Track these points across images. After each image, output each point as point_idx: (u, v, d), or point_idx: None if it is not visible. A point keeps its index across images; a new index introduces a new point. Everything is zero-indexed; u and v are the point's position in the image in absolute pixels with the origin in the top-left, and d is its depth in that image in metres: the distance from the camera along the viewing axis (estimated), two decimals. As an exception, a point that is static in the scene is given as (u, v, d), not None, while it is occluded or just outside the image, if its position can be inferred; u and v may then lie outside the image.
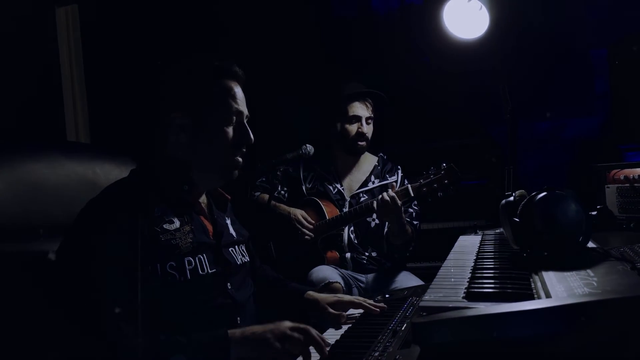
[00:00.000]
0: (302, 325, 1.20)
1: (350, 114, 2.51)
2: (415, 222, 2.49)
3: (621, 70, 2.66)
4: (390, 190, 2.27)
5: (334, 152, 2.64)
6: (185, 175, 1.35)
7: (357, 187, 2.58)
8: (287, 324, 1.20)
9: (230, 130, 1.34)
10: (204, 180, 1.39)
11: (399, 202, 2.23)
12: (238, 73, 1.38)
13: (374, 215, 2.49)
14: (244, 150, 1.38)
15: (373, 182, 2.58)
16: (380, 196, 2.27)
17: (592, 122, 2.93)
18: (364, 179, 2.59)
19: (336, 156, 2.63)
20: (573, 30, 2.82)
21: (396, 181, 2.55)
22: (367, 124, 2.54)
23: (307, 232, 2.45)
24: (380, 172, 2.60)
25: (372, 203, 2.33)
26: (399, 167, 2.62)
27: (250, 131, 1.37)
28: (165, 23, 3.07)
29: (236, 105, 1.34)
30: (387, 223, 2.49)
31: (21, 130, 2.74)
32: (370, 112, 2.54)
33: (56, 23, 3.16)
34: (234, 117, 1.35)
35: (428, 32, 2.69)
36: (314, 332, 1.19)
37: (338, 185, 2.58)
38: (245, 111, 1.38)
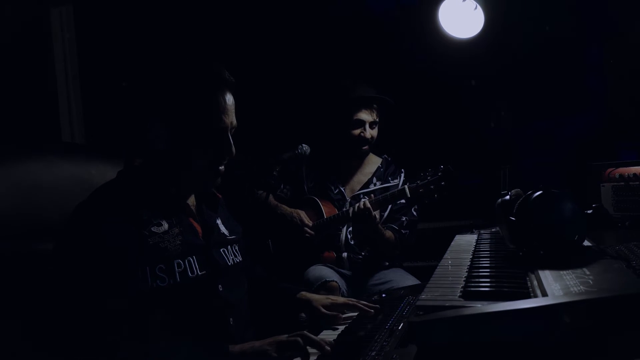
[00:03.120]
0: (298, 332, 1.21)
1: (354, 117, 2.50)
2: (403, 231, 2.49)
3: (616, 68, 2.67)
4: (366, 200, 2.31)
5: (337, 152, 2.63)
6: (172, 177, 1.34)
7: (358, 188, 2.58)
8: (284, 336, 1.21)
9: (211, 143, 1.29)
10: (186, 186, 1.37)
11: (373, 213, 2.28)
12: (227, 80, 1.32)
13: None
14: (225, 162, 1.34)
15: (375, 184, 2.57)
16: (356, 204, 2.31)
17: (588, 120, 2.94)
18: (366, 180, 2.59)
19: (339, 156, 2.63)
20: (568, 28, 2.83)
21: (398, 184, 2.54)
22: (371, 128, 2.53)
23: (307, 230, 2.45)
24: (383, 174, 2.60)
25: (347, 211, 2.36)
26: (402, 170, 2.61)
27: (232, 144, 1.31)
28: (161, 23, 3.06)
29: (219, 119, 1.29)
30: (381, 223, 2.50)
31: (16, 131, 2.73)
32: (375, 117, 2.53)
33: (50, 24, 3.15)
34: (216, 131, 1.29)
35: (424, 32, 2.70)
36: (311, 335, 1.20)
37: (340, 186, 2.58)
38: (230, 122, 1.31)
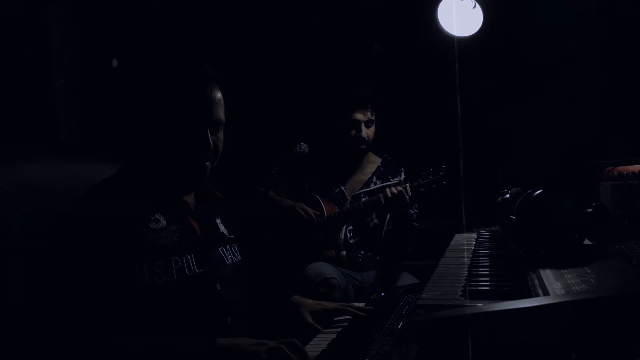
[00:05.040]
0: (286, 340, 1.16)
1: (350, 118, 2.49)
2: (415, 224, 2.50)
3: (614, 66, 2.67)
4: (398, 185, 2.30)
5: (336, 151, 2.63)
6: (162, 173, 1.32)
7: (358, 188, 2.58)
8: (272, 343, 1.15)
9: (188, 137, 1.26)
10: (177, 182, 1.35)
11: (407, 196, 2.27)
12: (208, 74, 1.29)
13: (373, 215, 2.50)
14: (209, 157, 1.31)
15: (375, 184, 2.57)
16: (388, 189, 2.29)
17: (587, 119, 2.93)
18: (366, 179, 2.59)
19: (339, 156, 2.62)
20: (565, 26, 2.82)
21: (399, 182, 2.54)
22: (367, 127, 2.52)
23: (312, 215, 2.45)
24: (383, 173, 2.60)
25: (378, 198, 2.33)
26: (402, 168, 2.61)
27: (209, 137, 1.27)
28: (160, 22, 3.05)
29: (197, 111, 1.26)
30: (386, 222, 2.50)
31: (12, 130, 2.72)
32: (370, 115, 2.52)
33: (48, 22, 3.14)
34: (193, 124, 1.26)
35: (423, 31, 2.69)
36: (299, 344, 1.15)
37: (340, 185, 2.58)
38: (210, 116, 1.28)
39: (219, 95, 1.31)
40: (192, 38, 3.01)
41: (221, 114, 1.31)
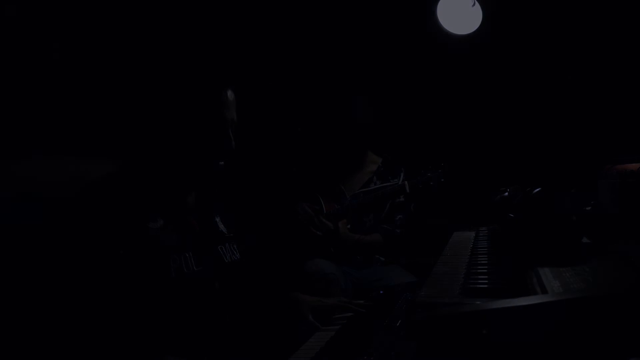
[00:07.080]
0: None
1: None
2: (398, 230, 2.52)
3: (612, 64, 2.68)
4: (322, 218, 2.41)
5: (336, 151, 2.64)
6: (172, 173, 1.33)
7: (358, 187, 2.58)
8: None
9: (206, 136, 1.29)
10: (186, 182, 1.36)
11: (331, 226, 2.39)
12: (222, 75, 1.32)
13: (371, 216, 2.51)
14: (223, 155, 1.33)
15: (375, 183, 2.59)
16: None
17: (585, 116, 2.94)
18: (366, 179, 2.60)
19: (339, 155, 2.63)
20: (563, 24, 2.83)
21: (398, 182, 2.55)
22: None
23: (311, 214, 2.47)
24: (383, 173, 2.61)
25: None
26: (402, 168, 2.62)
27: (232, 139, 1.31)
28: (165, 22, 3.05)
29: (215, 112, 1.29)
30: (381, 219, 2.51)
31: (12, 128, 2.72)
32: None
33: (48, 21, 3.13)
34: (213, 124, 1.29)
35: (422, 28, 2.70)
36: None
37: (340, 184, 2.59)
38: (230, 118, 1.31)
39: (232, 96, 1.33)
40: (201, 38, 3.00)
41: (234, 114, 1.33)
